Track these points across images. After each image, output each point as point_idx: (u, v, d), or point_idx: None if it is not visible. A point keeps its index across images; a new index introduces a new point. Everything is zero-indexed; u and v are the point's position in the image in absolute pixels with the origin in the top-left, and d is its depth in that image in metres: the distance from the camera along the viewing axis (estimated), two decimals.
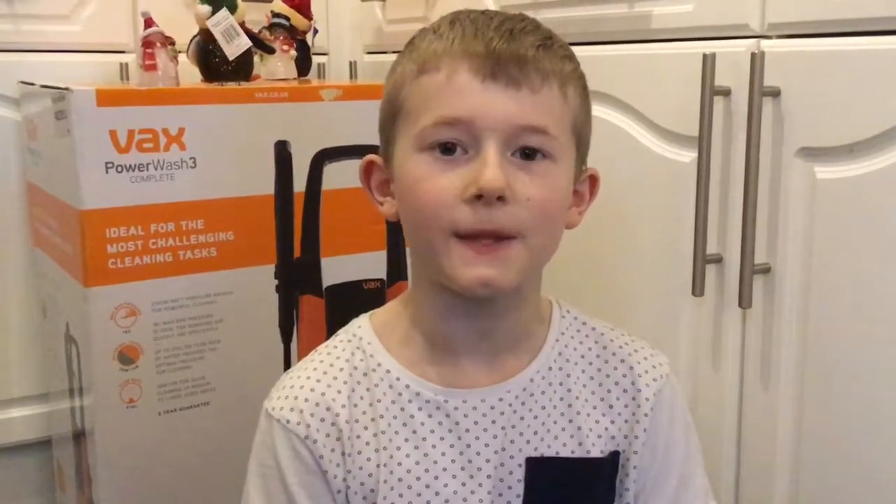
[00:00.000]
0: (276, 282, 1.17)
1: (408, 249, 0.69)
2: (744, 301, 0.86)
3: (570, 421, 0.67)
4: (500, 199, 0.59)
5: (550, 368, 0.68)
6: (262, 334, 1.17)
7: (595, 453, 0.67)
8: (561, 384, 0.68)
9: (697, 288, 0.90)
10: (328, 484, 0.65)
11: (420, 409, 0.66)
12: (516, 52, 0.60)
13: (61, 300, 1.17)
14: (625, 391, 0.68)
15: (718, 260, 0.91)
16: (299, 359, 0.73)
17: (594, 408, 0.68)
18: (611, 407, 0.68)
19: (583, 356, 0.69)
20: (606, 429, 0.67)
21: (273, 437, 0.66)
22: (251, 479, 0.68)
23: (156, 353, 1.09)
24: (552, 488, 0.66)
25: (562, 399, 0.67)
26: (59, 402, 1.25)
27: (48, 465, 1.37)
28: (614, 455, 0.68)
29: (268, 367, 1.15)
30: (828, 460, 0.84)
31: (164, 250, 1.08)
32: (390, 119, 0.65)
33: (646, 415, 0.68)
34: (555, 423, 0.67)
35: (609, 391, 0.68)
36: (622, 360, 0.69)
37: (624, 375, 0.69)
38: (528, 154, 0.61)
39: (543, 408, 0.67)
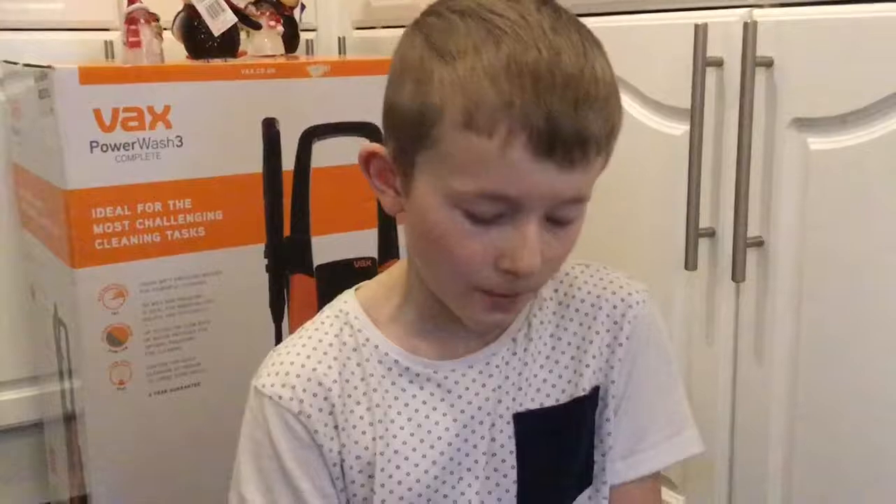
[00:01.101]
0: (265, 261, 1.16)
1: (400, 233, 0.67)
2: (737, 274, 0.86)
3: (551, 371, 0.68)
4: None
5: (531, 325, 0.68)
6: (253, 314, 1.16)
7: (579, 395, 0.68)
8: (540, 337, 0.68)
9: (690, 262, 0.90)
10: (324, 458, 0.65)
11: (411, 382, 0.66)
12: (580, 132, 0.55)
13: (49, 282, 1.16)
14: (602, 324, 0.69)
15: (711, 233, 0.91)
16: None
17: (577, 348, 0.68)
18: (591, 343, 0.68)
19: (559, 303, 0.69)
20: (588, 365, 0.68)
21: (265, 415, 0.66)
22: (242, 458, 0.67)
23: (145, 334, 1.08)
24: (542, 438, 0.67)
25: (541, 352, 0.68)
26: (49, 384, 1.24)
27: (40, 448, 1.36)
28: (595, 389, 0.68)
29: (258, 348, 1.12)
30: (821, 433, 0.84)
31: (151, 230, 1.07)
32: (414, 136, 0.58)
33: (620, 344, 0.68)
34: (535, 376, 0.67)
35: (589, 328, 0.68)
36: (598, 296, 0.69)
37: (600, 308, 0.69)
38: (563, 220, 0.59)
39: (526, 364, 0.67)
